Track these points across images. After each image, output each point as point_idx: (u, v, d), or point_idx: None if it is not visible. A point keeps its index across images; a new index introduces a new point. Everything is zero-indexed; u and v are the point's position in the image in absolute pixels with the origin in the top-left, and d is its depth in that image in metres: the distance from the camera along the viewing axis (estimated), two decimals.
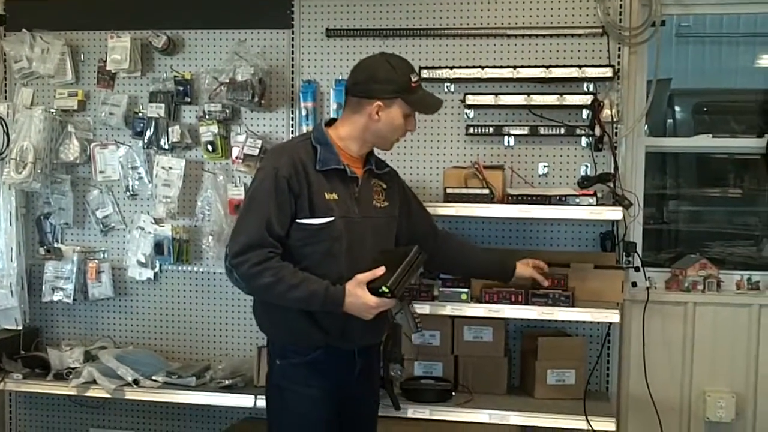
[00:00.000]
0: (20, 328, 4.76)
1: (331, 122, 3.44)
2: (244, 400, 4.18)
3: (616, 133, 4.29)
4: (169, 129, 4.60)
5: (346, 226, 3.24)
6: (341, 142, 3.33)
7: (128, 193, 4.72)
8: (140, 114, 4.68)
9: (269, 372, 3.43)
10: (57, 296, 4.75)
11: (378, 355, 3.65)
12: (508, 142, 4.39)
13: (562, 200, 3.96)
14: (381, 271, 3.14)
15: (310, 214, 3.19)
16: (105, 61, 4.71)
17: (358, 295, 3.12)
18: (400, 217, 3.54)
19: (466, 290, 4.00)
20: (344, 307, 3.13)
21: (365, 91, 3.29)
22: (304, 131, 4.36)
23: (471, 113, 4.41)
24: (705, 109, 5.88)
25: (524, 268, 3.85)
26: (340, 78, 4.44)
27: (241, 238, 3.17)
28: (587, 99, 4.25)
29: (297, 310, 3.20)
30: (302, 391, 3.29)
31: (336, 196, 3.24)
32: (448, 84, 4.41)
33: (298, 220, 3.19)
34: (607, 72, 4.21)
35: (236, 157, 4.49)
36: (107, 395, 4.31)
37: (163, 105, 4.62)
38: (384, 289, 3.11)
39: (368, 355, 3.46)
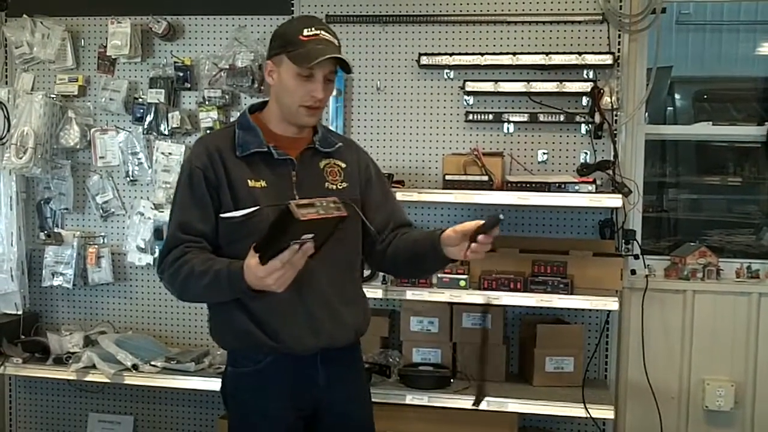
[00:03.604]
0: (20, 312, 4.78)
1: (264, 106, 3.00)
2: None
3: (615, 120, 4.28)
4: (169, 115, 4.61)
5: None
6: (267, 123, 2.92)
7: (128, 178, 4.73)
8: (140, 99, 4.69)
9: (222, 379, 3.05)
10: (57, 281, 4.76)
11: (356, 360, 3.11)
12: (508, 129, 4.39)
13: (561, 187, 3.96)
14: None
15: (233, 207, 2.79)
16: (105, 47, 4.71)
17: (249, 265, 2.55)
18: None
19: (464, 277, 4.00)
20: (249, 283, 2.58)
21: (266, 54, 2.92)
22: None
23: (470, 100, 4.41)
24: (705, 96, 5.88)
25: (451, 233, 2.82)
26: None
27: (162, 246, 2.86)
28: (587, 86, 4.25)
29: (241, 314, 2.82)
30: (256, 403, 2.91)
31: (263, 184, 2.82)
32: (448, 71, 4.41)
33: (221, 215, 2.80)
34: (607, 59, 4.20)
35: None
36: (106, 380, 4.34)
37: (163, 91, 4.63)
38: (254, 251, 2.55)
39: (335, 361, 2.94)
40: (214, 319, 2.99)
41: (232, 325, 2.87)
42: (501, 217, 2.62)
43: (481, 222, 2.66)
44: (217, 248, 2.83)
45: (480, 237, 2.67)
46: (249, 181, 2.81)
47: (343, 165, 2.99)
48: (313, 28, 2.81)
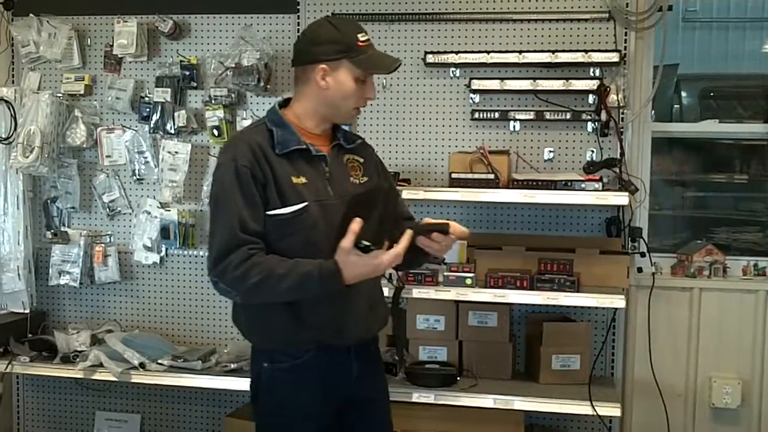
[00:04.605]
0: (27, 311, 4.79)
1: (287, 102, 3.07)
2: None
3: (622, 118, 4.28)
4: (175, 113, 4.61)
5: (321, 210, 2.89)
6: (298, 121, 2.98)
7: (134, 177, 4.74)
8: (146, 98, 4.69)
9: (255, 375, 3.06)
10: (64, 280, 4.78)
11: (378, 352, 3.27)
12: (514, 127, 4.39)
13: (567, 185, 3.96)
14: (357, 225, 2.72)
15: (280, 204, 2.85)
16: (112, 46, 4.73)
17: (354, 262, 2.73)
18: None
19: (470, 275, 4.00)
20: (345, 280, 2.76)
21: (308, 55, 2.94)
22: None
23: (476, 98, 4.41)
24: (712, 94, 5.86)
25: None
26: None
27: (216, 245, 2.84)
28: (593, 84, 4.24)
29: (281, 309, 2.89)
30: (293, 398, 2.97)
31: (304, 180, 2.90)
32: (454, 69, 4.41)
33: (268, 212, 2.85)
34: (614, 57, 4.19)
35: None
36: (113, 378, 4.34)
37: (169, 90, 4.64)
38: (365, 243, 2.72)
39: (366, 353, 3.10)
40: (251, 320, 3.01)
41: (274, 323, 2.93)
42: (450, 233, 2.89)
43: (442, 222, 2.92)
44: (267, 246, 2.86)
45: (434, 234, 2.89)
46: (292, 177, 2.88)
47: (362, 160, 3.12)
48: (365, 34, 2.97)
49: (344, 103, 2.96)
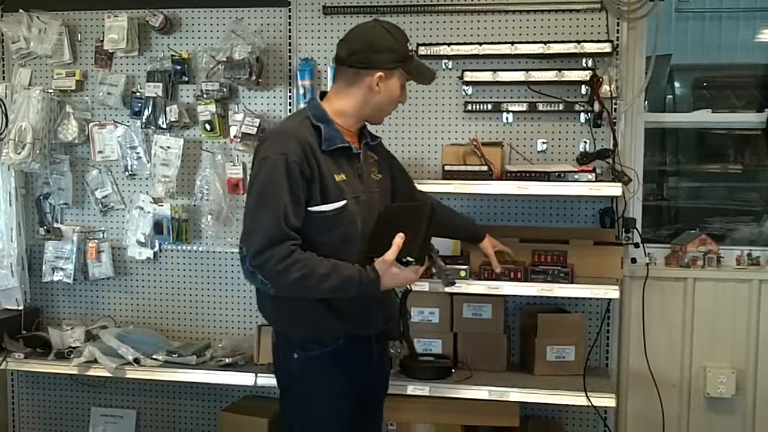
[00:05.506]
0: (21, 308, 4.77)
1: (321, 96, 3.19)
2: (245, 378, 4.20)
3: (615, 108, 4.27)
4: (167, 108, 4.60)
5: (357, 206, 3.05)
6: (338, 118, 3.08)
7: (127, 172, 4.72)
8: (138, 93, 4.68)
9: (283, 366, 3.20)
10: (57, 276, 4.76)
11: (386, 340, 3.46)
12: (507, 118, 4.38)
13: (560, 176, 3.95)
14: (401, 240, 2.93)
15: (321, 201, 2.96)
16: (102, 41, 4.70)
17: (395, 272, 2.95)
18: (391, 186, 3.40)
19: (465, 267, 3.99)
20: (382, 287, 2.98)
21: (365, 61, 3.03)
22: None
23: (469, 90, 4.40)
24: (705, 84, 5.85)
25: (487, 246, 3.80)
26: None
27: (259, 236, 2.89)
28: (586, 75, 4.23)
29: (314, 301, 3.01)
30: (326, 384, 3.11)
31: (344, 177, 3.02)
32: (446, 60, 4.40)
33: (309, 209, 2.95)
34: (606, 47, 4.19)
35: (234, 136, 4.49)
36: (108, 374, 4.33)
37: (160, 84, 4.62)
38: (409, 258, 2.96)
39: (382, 339, 3.32)
40: (282, 310, 3.12)
41: (307, 314, 3.06)
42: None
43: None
44: (304, 241, 2.94)
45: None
46: (335, 175, 3.00)
47: (376, 157, 3.28)
48: (409, 43, 3.13)
49: (388, 107, 3.15)
